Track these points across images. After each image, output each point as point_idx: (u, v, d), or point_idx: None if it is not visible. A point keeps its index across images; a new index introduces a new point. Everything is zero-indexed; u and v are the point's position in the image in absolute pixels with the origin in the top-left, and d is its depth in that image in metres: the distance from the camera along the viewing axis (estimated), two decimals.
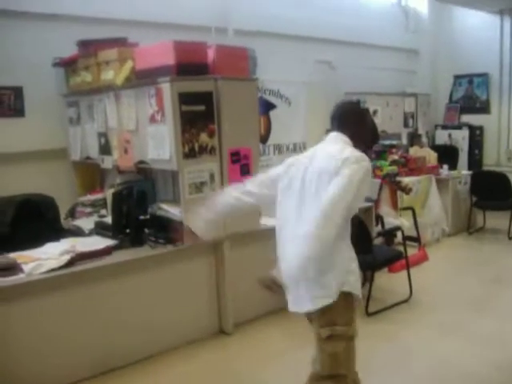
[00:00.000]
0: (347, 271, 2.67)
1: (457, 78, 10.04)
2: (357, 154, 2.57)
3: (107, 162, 5.05)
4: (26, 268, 3.69)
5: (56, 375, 3.73)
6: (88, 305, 3.89)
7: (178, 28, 5.83)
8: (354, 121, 2.80)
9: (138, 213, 4.40)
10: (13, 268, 3.70)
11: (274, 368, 4.11)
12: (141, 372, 4.02)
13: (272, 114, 7.14)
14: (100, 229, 4.61)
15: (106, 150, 5.02)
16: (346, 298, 2.65)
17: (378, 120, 8.45)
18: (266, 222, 4.87)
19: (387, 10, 9.24)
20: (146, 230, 4.44)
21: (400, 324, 4.84)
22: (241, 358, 4.27)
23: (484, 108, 9.74)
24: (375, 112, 8.55)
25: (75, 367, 3.85)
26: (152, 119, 4.31)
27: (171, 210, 4.40)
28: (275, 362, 4.20)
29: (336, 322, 2.67)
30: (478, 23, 9.61)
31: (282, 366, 4.12)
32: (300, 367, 4.05)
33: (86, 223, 4.86)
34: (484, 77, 9.67)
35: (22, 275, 3.66)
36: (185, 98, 4.14)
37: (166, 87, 4.12)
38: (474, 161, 9.57)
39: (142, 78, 4.44)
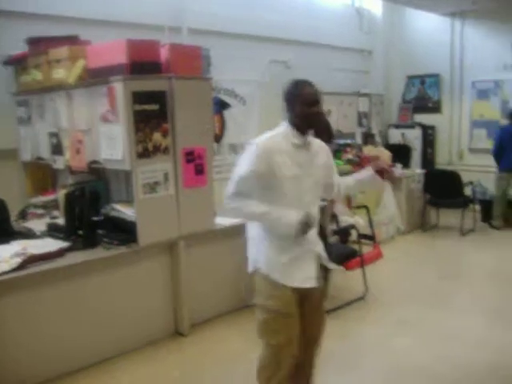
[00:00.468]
0: (258, 251, 3.00)
1: (409, 78, 10.21)
2: (256, 140, 2.85)
3: (59, 163, 4.95)
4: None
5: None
6: (41, 308, 3.81)
7: (131, 26, 5.76)
8: (284, 104, 2.91)
9: (90, 214, 4.32)
10: None
11: (232, 368, 4.09)
12: (94, 374, 3.95)
13: (226, 113, 7.13)
14: (52, 231, 4.51)
15: (57, 150, 4.93)
16: (261, 274, 2.93)
17: (332, 119, 8.52)
18: (220, 221, 4.86)
19: (342, 11, 9.33)
20: (100, 231, 4.36)
21: (356, 321, 4.88)
22: (197, 360, 4.23)
23: (436, 108, 9.94)
24: (329, 112, 8.61)
25: (27, 372, 3.76)
26: (104, 119, 4.24)
27: (125, 211, 4.35)
28: (233, 361, 4.18)
29: (257, 292, 2.98)
30: (430, 25, 9.80)
31: (239, 366, 4.10)
32: (255, 367, 4.07)
33: (38, 225, 4.75)
34: (436, 77, 9.86)
35: None
36: (138, 97, 4.09)
37: (118, 86, 4.06)
38: (427, 160, 9.75)
39: (95, 77, 4.37)
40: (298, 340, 2.94)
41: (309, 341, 3.11)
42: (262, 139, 2.83)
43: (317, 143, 2.99)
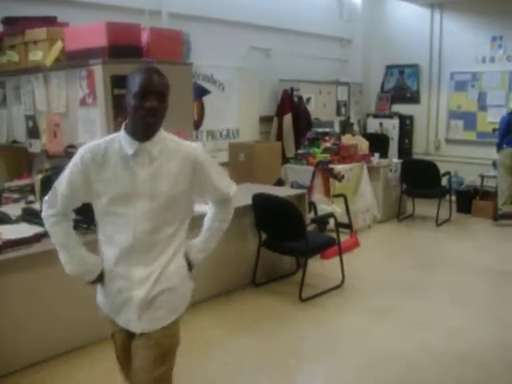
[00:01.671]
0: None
1: (388, 68, 10.24)
2: (82, 146, 2.27)
3: (35, 146, 4.87)
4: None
5: None
6: (18, 293, 3.74)
7: (110, 9, 5.69)
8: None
9: None
10: None
11: (208, 354, 4.07)
12: (70, 363, 3.92)
13: (205, 99, 7.09)
14: (28, 215, 4.44)
15: (34, 133, 4.85)
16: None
17: (311, 107, 8.55)
18: (198, 208, 4.82)
19: None
20: (76, 217, 4.30)
21: (333, 309, 4.90)
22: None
23: (414, 98, 9.99)
24: (309, 99, 8.61)
25: (7, 358, 3.71)
26: (83, 102, 4.19)
27: None
28: (209, 348, 4.17)
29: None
30: (409, 15, 9.82)
31: (214, 354, 4.09)
32: (234, 354, 4.09)
33: (13, 209, 4.67)
34: (414, 68, 9.90)
35: None
36: (117, 81, 4.03)
37: (97, 69, 4.01)
38: (404, 149, 9.82)
39: (73, 60, 4.30)
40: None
41: None
42: (87, 145, 2.25)
43: (171, 146, 2.26)
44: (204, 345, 4.22)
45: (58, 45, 4.45)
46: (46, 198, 2.33)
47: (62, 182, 2.26)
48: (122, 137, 2.19)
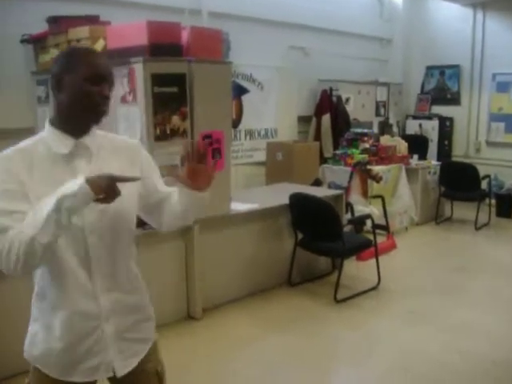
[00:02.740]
0: (29, 326, 1.91)
1: (429, 68, 10.09)
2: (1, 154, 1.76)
3: None
4: None
5: None
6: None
7: (151, 8, 5.74)
8: (50, 87, 1.82)
9: None
10: None
11: (242, 354, 4.10)
12: None
13: (244, 98, 7.10)
14: None
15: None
16: (32, 368, 1.90)
17: (350, 108, 8.50)
18: (235, 206, 4.86)
19: None
20: None
21: (368, 311, 4.87)
22: (209, 344, 4.24)
23: (455, 99, 9.82)
24: (347, 100, 8.56)
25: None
26: (123, 100, 4.23)
27: None
28: (244, 347, 4.19)
29: None
30: (451, 15, 9.66)
31: (250, 352, 4.12)
32: (269, 353, 4.10)
33: None
34: (455, 68, 9.74)
35: None
36: (157, 80, 4.07)
37: (138, 68, 4.04)
38: (444, 151, 9.67)
39: (114, 58, 4.34)
40: None
41: None
42: (3, 153, 1.75)
43: (107, 141, 1.90)
44: (238, 343, 4.24)
45: (100, 43, 4.50)
46: None
47: None
48: (48, 134, 1.79)
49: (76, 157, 1.78)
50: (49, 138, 1.78)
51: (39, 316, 1.84)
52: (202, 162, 1.83)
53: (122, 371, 1.89)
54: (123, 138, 2.01)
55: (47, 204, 1.58)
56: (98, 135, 1.86)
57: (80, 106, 1.74)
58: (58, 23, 4.92)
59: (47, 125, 1.81)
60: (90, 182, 1.59)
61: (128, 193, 1.79)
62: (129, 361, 1.92)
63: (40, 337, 1.83)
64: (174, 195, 1.95)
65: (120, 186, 1.67)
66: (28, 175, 1.70)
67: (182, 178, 1.82)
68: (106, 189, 1.62)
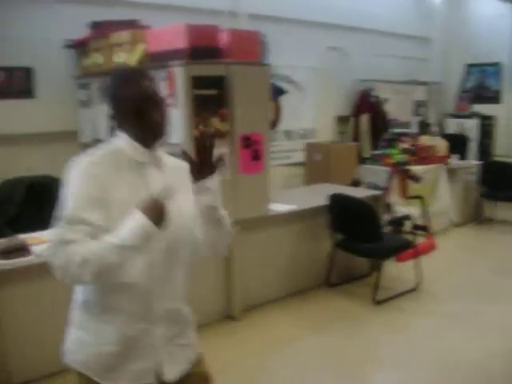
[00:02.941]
0: (69, 329, 1.96)
1: (469, 66, 9.96)
2: (81, 160, 1.80)
3: None
4: (36, 249, 3.68)
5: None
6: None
7: (190, 11, 5.79)
8: (110, 107, 1.90)
9: None
10: (21, 249, 3.69)
11: (281, 354, 4.11)
12: None
13: (282, 99, 7.11)
14: None
15: (115, 132, 5.00)
16: (76, 374, 1.92)
17: (388, 108, 8.44)
18: (274, 207, 4.87)
19: None
20: None
21: (408, 313, 4.83)
22: (248, 344, 4.27)
23: (495, 97, 9.68)
24: (386, 100, 8.50)
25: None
26: None
27: None
28: (283, 348, 4.20)
29: None
30: (491, 12, 9.52)
31: (288, 353, 4.13)
32: (307, 354, 4.10)
33: None
34: (496, 66, 9.60)
35: (30, 257, 3.65)
36: (197, 82, 4.11)
37: (178, 71, 4.09)
38: (484, 151, 9.50)
39: (154, 61, 4.41)
40: None
41: None
42: (86, 158, 1.81)
43: (167, 158, 1.99)
44: (276, 343, 4.26)
45: (141, 47, 4.57)
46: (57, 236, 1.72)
47: (77, 208, 1.72)
48: (126, 144, 1.86)
49: (149, 165, 1.88)
50: (126, 146, 1.86)
51: (86, 322, 1.88)
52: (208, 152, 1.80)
53: (170, 376, 1.94)
54: (175, 159, 2.03)
55: (113, 239, 1.67)
56: (159, 149, 1.94)
57: (140, 134, 1.84)
58: (100, 28, 5.02)
59: (123, 135, 1.87)
60: (145, 212, 1.69)
61: (187, 205, 1.87)
62: (178, 366, 1.97)
63: (88, 342, 1.87)
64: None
65: (180, 198, 1.81)
66: (114, 180, 1.78)
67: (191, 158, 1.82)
68: (158, 213, 1.71)
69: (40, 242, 3.75)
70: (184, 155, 1.82)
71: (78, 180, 1.75)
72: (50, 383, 3.54)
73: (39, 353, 3.59)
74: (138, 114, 1.79)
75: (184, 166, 1.92)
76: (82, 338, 1.88)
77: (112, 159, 1.82)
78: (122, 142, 1.87)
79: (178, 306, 1.98)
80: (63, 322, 1.99)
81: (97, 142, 5.32)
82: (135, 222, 1.67)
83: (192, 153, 1.82)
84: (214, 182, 1.84)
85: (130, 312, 1.84)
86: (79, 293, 1.89)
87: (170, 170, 1.94)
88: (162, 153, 1.95)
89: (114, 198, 1.75)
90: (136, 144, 1.85)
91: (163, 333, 1.91)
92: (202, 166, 1.80)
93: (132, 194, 1.77)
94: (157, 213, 1.70)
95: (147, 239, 1.69)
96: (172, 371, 1.94)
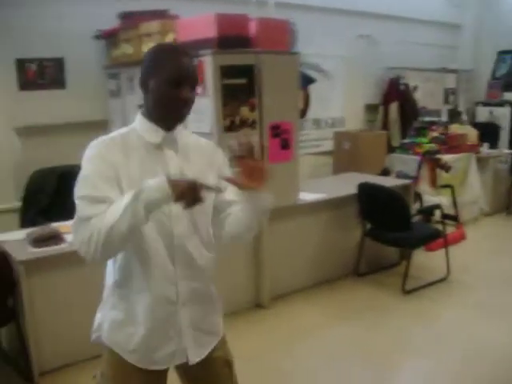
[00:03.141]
0: (101, 308, 2.01)
1: (500, 53, 9.78)
2: (92, 142, 1.85)
3: None
4: (68, 238, 3.74)
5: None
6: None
7: (218, 0, 5.78)
8: (139, 82, 1.91)
9: None
10: (55, 237, 3.76)
11: (309, 343, 4.13)
12: None
13: (311, 88, 7.08)
14: None
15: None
16: (107, 350, 1.97)
17: (418, 96, 8.35)
18: (303, 196, 4.87)
19: None
20: None
21: (437, 303, 4.80)
22: (276, 332, 4.29)
23: None
24: (415, 88, 8.41)
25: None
26: None
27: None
28: (311, 337, 4.22)
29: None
30: None
31: (316, 342, 4.14)
32: (335, 343, 4.11)
33: None
34: None
35: (63, 245, 3.71)
36: (226, 71, 4.12)
37: (207, 60, 4.10)
38: None
39: None
40: None
41: None
42: (97, 141, 1.85)
43: (191, 139, 2.00)
44: (304, 332, 4.28)
45: (170, 37, 4.60)
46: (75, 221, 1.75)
47: (87, 188, 1.75)
48: (140, 125, 1.88)
49: (165, 147, 1.88)
50: (141, 128, 1.88)
51: (119, 302, 1.91)
52: (252, 157, 1.81)
53: (194, 358, 1.97)
54: (204, 139, 2.06)
55: (128, 195, 1.67)
56: (183, 132, 1.95)
57: (163, 109, 1.84)
58: (130, 18, 5.06)
59: (139, 116, 1.90)
60: (171, 182, 1.66)
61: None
62: (201, 349, 2.00)
63: (122, 323, 1.91)
64: (237, 205, 1.97)
65: (200, 179, 1.74)
66: (123, 161, 1.79)
67: (237, 179, 1.83)
68: (187, 193, 1.67)
69: None
70: (229, 180, 1.84)
71: (89, 161, 1.79)
72: (82, 369, 3.60)
73: (71, 339, 3.66)
74: (172, 87, 1.79)
75: (208, 145, 2.03)
76: (116, 319, 1.92)
77: (122, 140, 1.84)
78: (137, 122, 1.90)
79: (202, 286, 1.98)
80: (95, 309, 2.03)
81: None
82: (156, 183, 1.66)
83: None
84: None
85: (156, 293, 1.86)
86: (110, 274, 1.93)
87: (193, 151, 1.95)
88: (184, 133, 1.96)
89: (124, 177, 1.78)
90: (150, 124, 1.86)
91: (189, 315, 1.93)
92: (247, 178, 1.81)
93: (143, 173, 1.78)
94: (184, 190, 1.66)
95: (154, 200, 1.66)
96: (196, 354, 1.97)
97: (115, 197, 1.73)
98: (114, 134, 1.88)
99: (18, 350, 3.65)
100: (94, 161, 1.78)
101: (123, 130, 1.90)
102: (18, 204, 4.97)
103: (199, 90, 4.18)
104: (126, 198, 1.66)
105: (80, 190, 1.76)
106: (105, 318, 1.95)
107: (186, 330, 1.93)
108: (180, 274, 1.89)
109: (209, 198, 1.88)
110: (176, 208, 1.78)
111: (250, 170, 1.81)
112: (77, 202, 1.75)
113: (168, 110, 1.84)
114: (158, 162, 1.85)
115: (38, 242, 3.68)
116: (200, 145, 2.02)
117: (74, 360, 3.70)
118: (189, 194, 1.67)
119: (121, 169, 1.78)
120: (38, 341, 3.58)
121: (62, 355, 3.71)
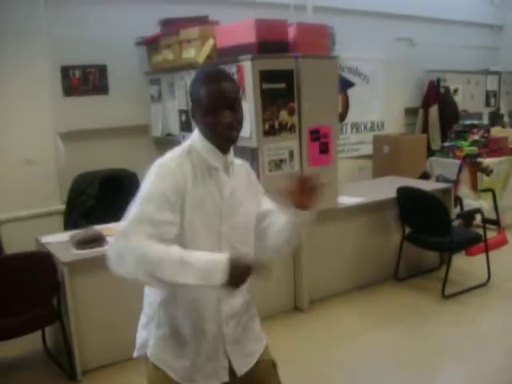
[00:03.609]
0: (145, 325, 2.01)
1: None
2: (161, 160, 1.85)
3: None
4: (111, 240, 3.80)
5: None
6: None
7: (257, 5, 5.84)
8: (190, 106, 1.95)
9: None
10: (98, 240, 3.84)
11: (347, 347, 4.13)
12: None
13: (350, 91, 7.09)
14: None
15: (186, 126, 5.12)
16: (151, 367, 1.97)
17: (458, 98, 8.26)
18: (342, 200, 4.88)
19: None
20: None
21: (477, 308, 4.75)
22: (314, 336, 4.30)
23: None
24: (456, 90, 8.32)
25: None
26: None
27: None
28: (349, 341, 4.22)
29: None
30: None
31: (355, 346, 4.14)
32: (374, 348, 4.10)
33: None
34: None
35: (106, 247, 3.78)
36: (265, 76, 4.16)
37: (247, 65, 4.15)
38: None
39: (223, 56, 4.49)
40: None
41: None
42: (166, 159, 1.85)
43: (234, 161, 1.99)
44: (342, 336, 4.28)
45: (210, 42, 4.66)
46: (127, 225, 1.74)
47: (149, 208, 1.72)
48: (201, 145, 1.88)
49: (221, 170, 1.89)
50: (202, 148, 1.88)
51: (167, 321, 1.91)
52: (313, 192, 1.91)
53: (241, 370, 2.00)
54: (238, 159, 2.04)
55: (200, 266, 1.63)
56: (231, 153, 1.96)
57: (213, 137, 1.86)
58: (170, 25, 5.14)
59: (200, 136, 1.89)
60: (232, 271, 1.63)
61: (251, 208, 1.99)
62: (247, 359, 2.03)
63: (169, 340, 1.92)
64: (279, 219, 1.99)
65: (245, 202, 1.94)
66: (191, 184, 1.80)
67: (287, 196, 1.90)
68: (241, 278, 1.66)
69: None
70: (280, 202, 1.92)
71: (155, 179, 1.77)
72: (124, 368, 3.67)
73: (113, 339, 3.75)
74: (211, 115, 1.80)
75: (244, 165, 2.06)
76: (163, 337, 1.92)
77: (190, 161, 1.84)
78: (196, 141, 1.90)
79: (245, 297, 1.99)
80: (135, 311, 2.09)
81: (168, 136, 5.47)
82: (214, 264, 1.64)
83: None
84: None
85: (203, 312, 1.88)
86: (154, 292, 1.92)
87: (237, 173, 1.97)
88: (232, 157, 1.96)
89: (189, 199, 1.78)
90: (211, 147, 1.87)
91: (231, 329, 1.94)
92: (299, 195, 1.90)
93: (205, 196, 1.82)
94: (239, 276, 1.65)
95: (209, 282, 1.63)
96: (241, 366, 2.00)
97: (174, 219, 1.74)
98: (180, 152, 1.87)
99: (62, 348, 3.74)
100: (161, 179, 1.76)
101: (185, 146, 1.89)
102: (62, 207, 5.11)
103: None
104: (179, 256, 1.64)
105: (138, 206, 1.73)
106: (150, 336, 1.95)
107: (230, 345, 1.95)
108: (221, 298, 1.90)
109: (252, 212, 1.99)
110: (224, 227, 1.88)
111: (302, 187, 1.89)
112: (130, 216, 1.72)
113: (217, 136, 1.85)
114: (216, 185, 1.87)
115: (82, 243, 3.78)
116: (239, 165, 2.03)
117: (116, 359, 3.78)
118: (242, 279, 1.67)
119: (188, 192, 1.78)
120: (82, 340, 3.68)
121: (104, 354, 3.80)
